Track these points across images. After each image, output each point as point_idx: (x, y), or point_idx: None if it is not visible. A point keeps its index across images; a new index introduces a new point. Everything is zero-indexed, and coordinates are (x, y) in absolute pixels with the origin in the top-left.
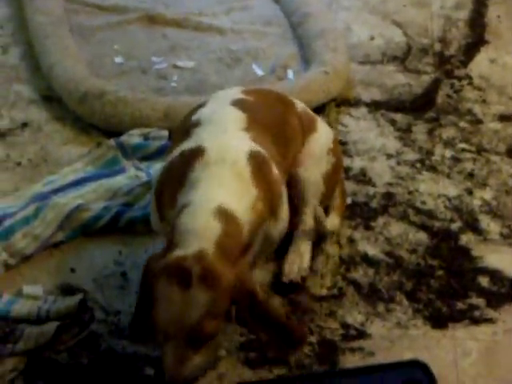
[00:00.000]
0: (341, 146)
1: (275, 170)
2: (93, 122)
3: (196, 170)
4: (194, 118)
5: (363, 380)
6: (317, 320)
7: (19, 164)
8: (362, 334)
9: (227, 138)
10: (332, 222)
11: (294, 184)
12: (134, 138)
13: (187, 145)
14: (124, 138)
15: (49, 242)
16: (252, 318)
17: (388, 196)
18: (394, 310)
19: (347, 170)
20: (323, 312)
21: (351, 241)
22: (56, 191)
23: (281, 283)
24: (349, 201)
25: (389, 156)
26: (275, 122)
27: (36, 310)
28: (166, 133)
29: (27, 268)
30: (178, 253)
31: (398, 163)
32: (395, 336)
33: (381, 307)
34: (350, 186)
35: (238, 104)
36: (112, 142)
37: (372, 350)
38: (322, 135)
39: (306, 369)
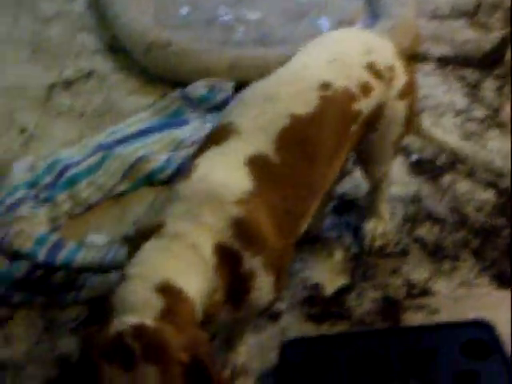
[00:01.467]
0: None
1: (252, 264)
2: (158, 73)
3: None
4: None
5: (426, 338)
6: (380, 277)
7: (83, 114)
8: (426, 292)
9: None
10: None
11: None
12: (198, 89)
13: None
14: (189, 90)
15: (112, 192)
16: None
17: (455, 153)
18: (459, 269)
19: None
20: (387, 269)
21: (417, 198)
22: (120, 141)
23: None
24: (415, 157)
25: (457, 112)
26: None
27: (99, 259)
28: (230, 85)
29: (91, 217)
30: (116, 328)
31: (467, 120)
32: (460, 295)
33: (446, 265)
34: (417, 141)
35: (255, 164)
36: (177, 93)
37: (436, 308)
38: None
39: (368, 325)
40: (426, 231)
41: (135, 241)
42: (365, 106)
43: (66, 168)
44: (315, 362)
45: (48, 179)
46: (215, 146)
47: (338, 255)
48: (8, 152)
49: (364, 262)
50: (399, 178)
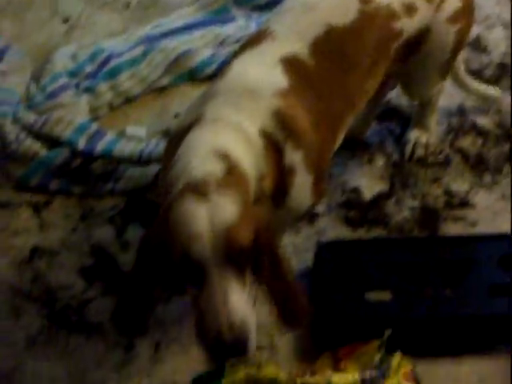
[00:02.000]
0: None
1: (293, 158)
2: None
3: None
4: (227, 72)
5: (464, 249)
6: (420, 185)
7: (128, 5)
8: (465, 204)
9: (244, 111)
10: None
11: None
12: None
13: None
14: None
15: (155, 85)
16: (268, 264)
17: (502, 66)
18: (500, 182)
19: None
20: (428, 178)
21: (461, 109)
22: (165, 35)
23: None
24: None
25: (506, 25)
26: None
27: (138, 151)
28: None
29: (132, 109)
30: (183, 183)
31: None
32: (499, 208)
33: (487, 178)
34: (464, 52)
35: (289, 63)
36: None
37: (474, 220)
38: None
39: (405, 233)
40: (468, 143)
41: (175, 139)
42: (407, 26)
43: (109, 58)
44: (350, 265)
45: (90, 69)
46: (250, 49)
47: (379, 161)
48: (50, 40)
49: (404, 169)
50: (446, 89)
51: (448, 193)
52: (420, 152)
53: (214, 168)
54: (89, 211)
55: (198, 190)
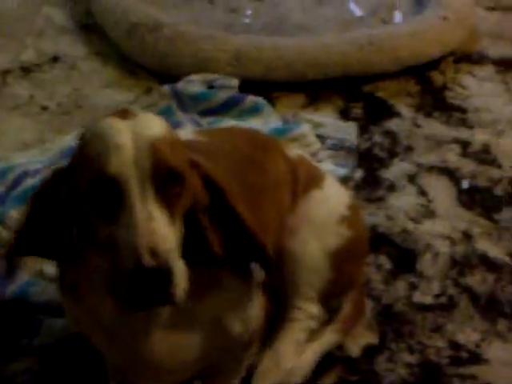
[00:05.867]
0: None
1: None
2: (142, 62)
3: None
4: None
5: None
6: (419, 335)
7: (46, 108)
8: (476, 358)
9: None
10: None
11: (283, 261)
12: (194, 85)
13: None
14: (181, 85)
15: None
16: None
17: None
18: None
19: (466, 144)
20: (427, 326)
21: (467, 236)
22: None
23: None
24: (465, 185)
25: None
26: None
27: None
28: (235, 82)
29: None
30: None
31: None
32: None
33: (502, 325)
34: (468, 165)
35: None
36: (166, 88)
37: (488, 379)
38: (331, 196)
39: None
40: (477, 280)
41: None
42: None
43: (22, 177)
44: None
45: None
46: None
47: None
48: None
49: (398, 316)
50: (446, 211)
51: (453, 344)
52: None
53: None
54: None
55: (122, 114)
